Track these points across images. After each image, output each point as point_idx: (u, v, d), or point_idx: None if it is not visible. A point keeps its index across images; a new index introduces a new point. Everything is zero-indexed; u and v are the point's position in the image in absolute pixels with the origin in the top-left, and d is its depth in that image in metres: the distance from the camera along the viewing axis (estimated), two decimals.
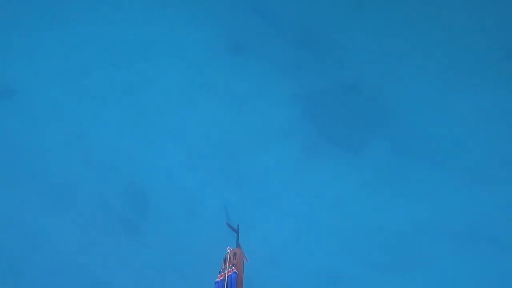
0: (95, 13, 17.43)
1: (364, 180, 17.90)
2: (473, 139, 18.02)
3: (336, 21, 17.93)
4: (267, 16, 18.03)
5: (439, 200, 17.98)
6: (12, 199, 14.60)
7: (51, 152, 15.44)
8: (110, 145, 15.93)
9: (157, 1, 17.85)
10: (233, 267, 6.85)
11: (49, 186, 14.92)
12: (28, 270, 14.85)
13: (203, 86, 17.66)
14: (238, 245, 7.63)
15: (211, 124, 17.23)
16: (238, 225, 8.04)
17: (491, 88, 17.29)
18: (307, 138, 17.85)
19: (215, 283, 6.71)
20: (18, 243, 14.97)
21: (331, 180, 17.73)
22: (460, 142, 18.15)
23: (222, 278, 6.66)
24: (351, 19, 17.98)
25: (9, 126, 15.41)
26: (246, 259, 7.27)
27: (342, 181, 17.81)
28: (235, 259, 7.02)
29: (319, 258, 16.49)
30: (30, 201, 14.68)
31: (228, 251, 7.29)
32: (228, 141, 17.06)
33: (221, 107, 17.53)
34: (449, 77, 18.07)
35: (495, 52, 17.34)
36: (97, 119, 16.21)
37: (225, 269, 6.83)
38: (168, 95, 17.41)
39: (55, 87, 16.23)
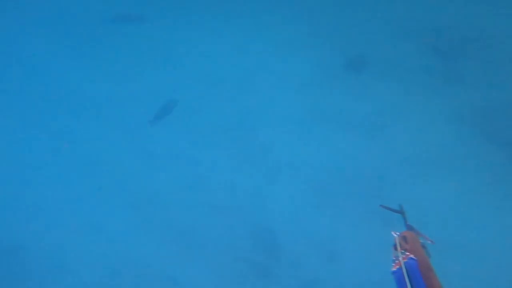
0: (195, 44, 17.11)
1: None
2: None
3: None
4: (391, 20, 15.89)
5: None
6: (149, 245, 13.71)
7: (175, 196, 14.75)
8: (231, 186, 14.82)
9: (258, 26, 17.09)
10: (407, 253, 5.05)
11: (179, 231, 13.84)
12: None
13: (321, 114, 16.08)
14: (408, 227, 5.70)
15: (340, 156, 15.19)
16: (401, 205, 6.17)
17: None
18: (491, 165, 13.91)
19: (392, 273, 5.12)
20: None
21: None
22: None
23: (398, 266, 5.02)
24: None
25: (139, 170, 15.13)
26: (431, 241, 5.50)
27: None
28: (406, 244, 5.16)
29: None
30: (165, 246, 13.62)
31: (395, 236, 5.44)
32: (362, 174, 14.76)
33: (346, 136, 15.57)
34: None
35: None
36: (214, 160, 15.33)
37: (398, 256, 5.12)
38: (282, 127, 16.02)
39: (169, 128, 15.91)
